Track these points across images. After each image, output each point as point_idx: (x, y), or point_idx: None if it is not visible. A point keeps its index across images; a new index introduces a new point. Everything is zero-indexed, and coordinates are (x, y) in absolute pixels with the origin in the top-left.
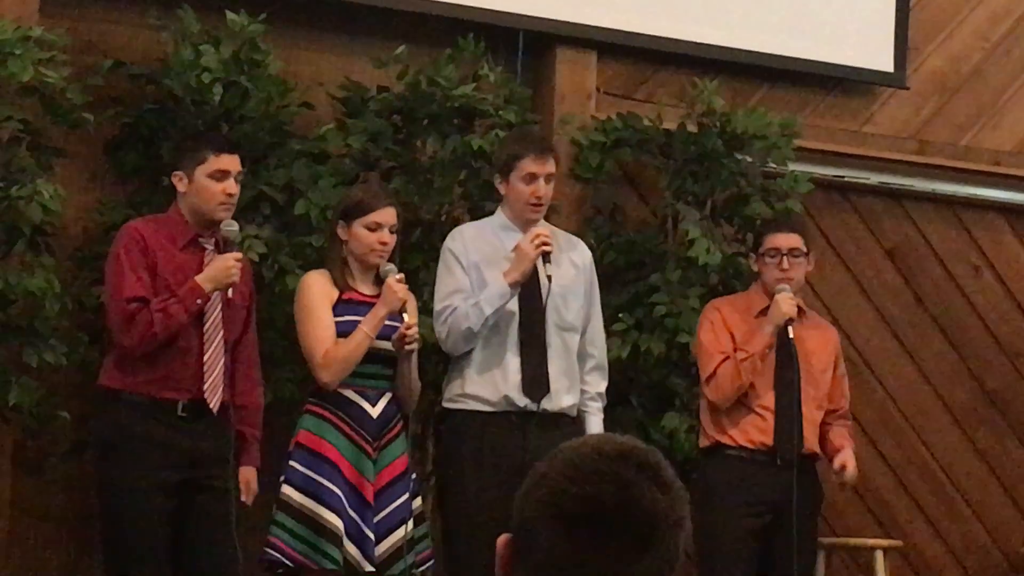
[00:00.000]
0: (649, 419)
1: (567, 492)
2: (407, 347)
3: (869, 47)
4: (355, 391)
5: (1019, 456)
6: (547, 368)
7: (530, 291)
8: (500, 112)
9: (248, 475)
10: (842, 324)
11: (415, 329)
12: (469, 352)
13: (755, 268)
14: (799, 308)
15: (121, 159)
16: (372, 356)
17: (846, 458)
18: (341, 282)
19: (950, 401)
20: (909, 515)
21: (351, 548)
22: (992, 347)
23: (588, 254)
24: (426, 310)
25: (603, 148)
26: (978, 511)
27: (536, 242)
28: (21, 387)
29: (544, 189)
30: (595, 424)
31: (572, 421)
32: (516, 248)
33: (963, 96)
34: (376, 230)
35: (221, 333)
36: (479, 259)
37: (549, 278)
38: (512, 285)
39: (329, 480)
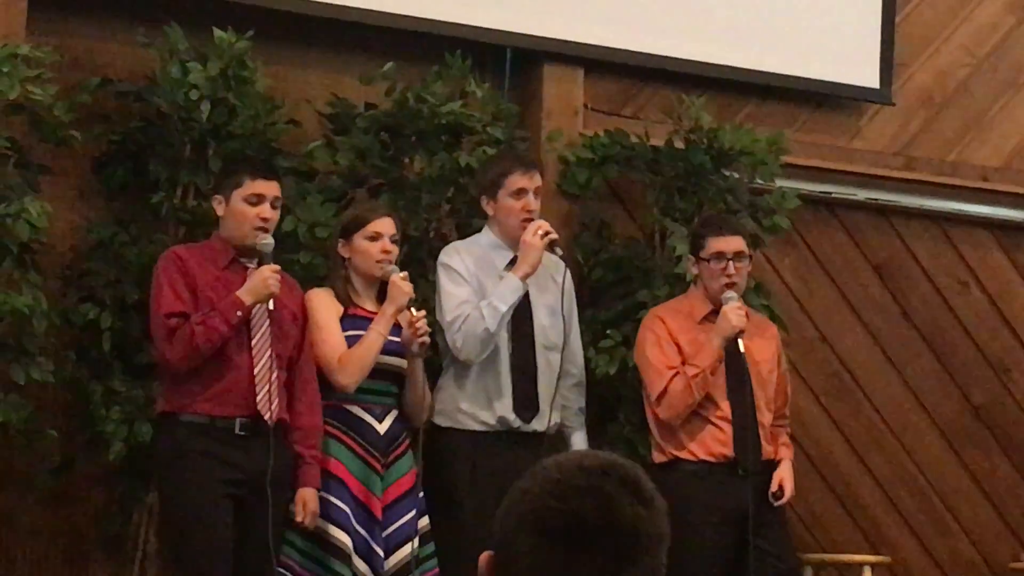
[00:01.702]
0: (636, 434)
1: (549, 507)
2: (418, 339)
3: (855, 63)
4: (362, 407)
5: (1007, 471)
6: (536, 388)
7: (520, 311)
8: (488, 129)
9: (307, 496)
10: (830, 340)
11: (423, 321)
12: (463, 369)
13: (693, 271)
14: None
15: (109, 176)
16: (379, 372)
17: (783, 476)
18: (345, 298)
19: (938, 416)
20: (897, 531)
21: (360, 564)
22: (980, 362)
23: (567, 273)
24: None
25: (591, 164)
26: (966, 526)
27: (540, 232)
28: (8, 404)
29: (534, 203)
30: (579, 439)
31: (555, 438)
32: (521, 243)
33: (950, 112)
34: (377, 239)
35: (270, 348)
36: (478, 271)
37: (563, 258)
38: (523, 279)
39: (336, 497)
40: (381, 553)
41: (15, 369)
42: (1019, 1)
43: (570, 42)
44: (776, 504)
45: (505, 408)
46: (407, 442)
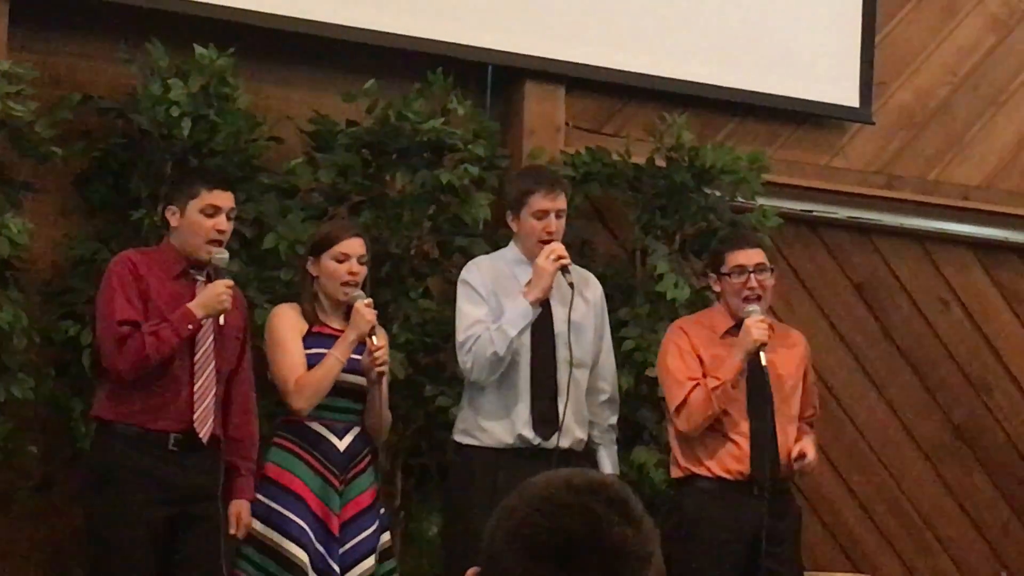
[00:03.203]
0: (621, 451)
1: (536, 525)
2: (377, 369)
3: (836, 82)
4: (322, 424)
5: (987, 489)
6: (557, 404)
7: (542, 327)
8: (469, 146)
9: (240, 508)
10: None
11: (384, 350)
12: (481, 387)
13: (715, 289)
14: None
15: (90, 193)
16: (342, 390)
17: (805, 445)
18: (311, 316)
19: (918, 435)
20: (878, 549)
21: None
22: (960, 381)
23: (599, 289)
24: (395, 344)
25: (572, 182)
26: (946, 544)
27: (553, 257)
28: None
29: (555, 224)
30: (607, 458)
31: (582, 456)
32: (534, 266)
33: (931, 131)
34: (344, 261)
35: (213, 363)
36: (496, 287)
37: (571, 285)
38: (533, 304)
39: (294, 513)
40: (337, 570)
41: None
42: (1000, 21)
43: (552, 59)
44: (797, 467)
45: (523, 425)
46: (368, 459)
